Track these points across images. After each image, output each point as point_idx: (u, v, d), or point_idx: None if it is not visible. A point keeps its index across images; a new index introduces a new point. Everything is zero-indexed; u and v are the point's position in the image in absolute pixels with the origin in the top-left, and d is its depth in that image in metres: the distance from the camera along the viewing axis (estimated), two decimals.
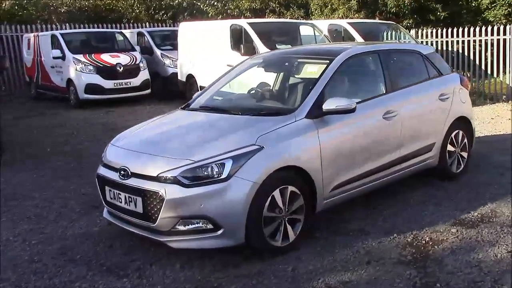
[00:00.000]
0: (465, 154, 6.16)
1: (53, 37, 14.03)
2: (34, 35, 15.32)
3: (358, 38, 11.98)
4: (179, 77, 13.48)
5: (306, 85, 4.83)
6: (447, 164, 5.91)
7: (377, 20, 15.48)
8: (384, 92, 5.24)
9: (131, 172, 4.17)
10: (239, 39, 11.19)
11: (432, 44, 12.04)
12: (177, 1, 21.59)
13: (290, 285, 3.77)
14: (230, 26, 11.44)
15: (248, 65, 5.69)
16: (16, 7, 19.47)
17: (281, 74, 5.53)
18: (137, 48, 14.57)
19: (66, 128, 10.59)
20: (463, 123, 6.11)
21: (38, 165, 7.53)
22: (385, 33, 13.11)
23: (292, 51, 6.07)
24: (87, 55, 13.32)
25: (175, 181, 3.92)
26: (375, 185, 5.08)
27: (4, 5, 19.09)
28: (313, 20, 16.20)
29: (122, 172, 4.22)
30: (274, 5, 21.19)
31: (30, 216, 5.40)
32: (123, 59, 13.52)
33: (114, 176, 4.30)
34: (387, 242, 4.42)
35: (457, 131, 6.00)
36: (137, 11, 21.40)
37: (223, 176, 3.90)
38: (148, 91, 13.87)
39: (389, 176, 5.20)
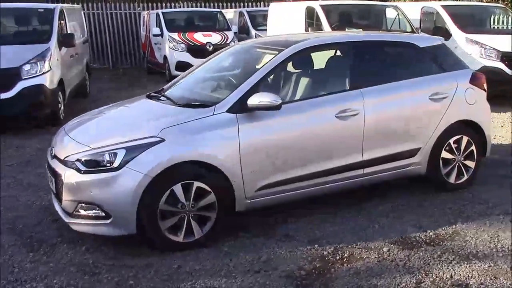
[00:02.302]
0: (471, 164, 5.36)
1: (157, 15, 14.87)
2: (146, 13, 16.39)
3: (451, 23, 10.85)
4: None
5: (244, 77, 4.57)
6: (440, 173, 5.21)
7: (481, 3, 13.80)
8: (347, 89, 4.76)
9: (54, 153, 4.39)
10: (312, 21, 10.87)
11: None
12: None
13: (159, 283, 3.70)
14: (306, 8, 11.13)
15: (221, 54, 5.54)
16: None
17: (241, 65, 5.28)
18: (234, 27, 14.83)
19: None
20: (469, 127, 5.31)
21: None
22: (492, 18, 11.68)
23: (262, 41, 5.70)
24: (181, 33, 13.92)
25: (73, 166, 4.04)
26: (324, 189, 4.69)
27: None
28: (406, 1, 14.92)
29: (50, 152, 4.47)
30: None
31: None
32: (214, 38, 13.88)
33: (48, 155, 4.57)
34: (299, 252, 4.10)
35: (459, 136, 5.24)
36: None
37: (114, 166, 3.93)
38: None
39: (346, 181, 4.76)
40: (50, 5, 9.73)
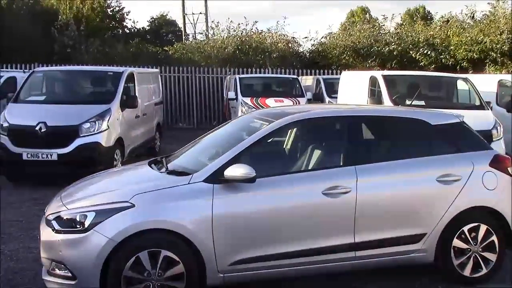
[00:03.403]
0: (491, 256, 4.80)
1: (235, 80, 15.41)
2: (229, 77, 17.06)
3: None
4: None
5: (230, 147, 4.52)
6: (451, 263, 4.72)
7: None
8: (340, 165, 4.55)
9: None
10: (374, 91, 10.64)
11: None
12: (388, 49, 21.18)
13: None
14: (370, 77, 10.94)
15: (230, 122, 5.54)
16: (237, 52, 21.83)
17: (235, 135, 5.17)
18: (309, 94, 14.93)
19: None
20: (489, 215, 4.80)
21: None
22: None
23: (264, 112, 5.52)
24: (254, 98, 14.24)
25: (49, 224, 4.19)
26: (309, 269, 4.43)
27: (226, 50, 21.62)
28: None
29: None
30: (495, 55, 19.14)
31: None
32: (285, 104, 14.01)
33: None
34: None
35: (475, 224, 4.74)
36: (347, 58, 21.70)
37: (83, 228, 4.02)
38: None
39: (334, 263, 4.46)
40: (119, 69, 10.46)
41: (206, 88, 19.23)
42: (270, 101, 14.14)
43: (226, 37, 22.83)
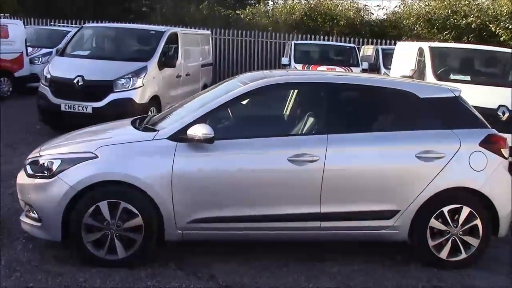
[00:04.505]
0: (473, 241, 4.52)
1: (291, 46, 15.20)
2: (288, 43, 16.85)
3: None
4: None
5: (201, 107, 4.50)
6: (425, 244, 4.49)
7: None
8: (312, 133, 4.42)
9: None
10: (420, 63, 10.12)
11: None
12: (465, 21, 19.93)
13: None
14: (418, 48, 10.40)
15: (218, 85, 5.42)
16: (305, 18, 21.46)
17: (212, 96, 4.99)
18: (365, 64, 14.47)
19: None
20: (475, 198, 4.50)
21: None
22: None
23: (248, 76, 5.13)
24: (305, 65, 14.01)
25: (24, 168, 4.44)
26: (270, 235, 4.41)
27: (294, 16, 21.31)
28: None
29: None
30: None
31: None
32: (338, 71, 13.69)
33: None
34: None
35: (456, 206, 4.47)
36: (419, 29, 20.69)
37: (49, 174, 4.22)
38: None
39: (297, 231, 4.41)
40: (162, 28, 10.64)
41: (267, 53, 19.11)
42: (321, 69, 13.84)
43: (296, 2, 22.48)
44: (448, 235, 4.49)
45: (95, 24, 12.39)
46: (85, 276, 4.09)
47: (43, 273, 4.12)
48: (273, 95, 4.66)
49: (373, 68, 14.54)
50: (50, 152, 4.39)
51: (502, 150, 4.56)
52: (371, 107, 4.72)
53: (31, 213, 4.36)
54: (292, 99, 4.81)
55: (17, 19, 16.24)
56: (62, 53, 10.02)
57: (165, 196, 4.19)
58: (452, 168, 4.43)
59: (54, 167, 4.21)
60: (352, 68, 14.01)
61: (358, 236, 4.53)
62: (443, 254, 4.52)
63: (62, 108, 8.99)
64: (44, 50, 14.83)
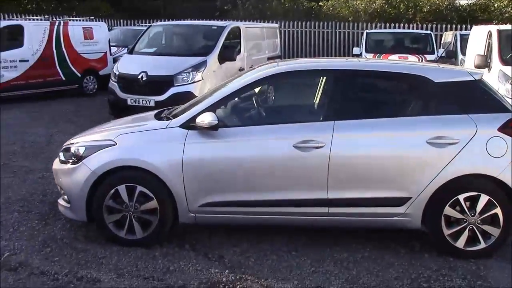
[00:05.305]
0: (493, 231, 4.33)
1: (363, 35, 14.96)
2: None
3: None
4: None
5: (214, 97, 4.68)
6: (441, 233, 4.36)
7: None
8: (320, 119, 4.45)
9: None
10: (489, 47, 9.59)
11: None
12: None
13: (71, 262, 4.27)
14: (487, 32, 9.84)
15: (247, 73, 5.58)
16: (386, 6, 20.89)
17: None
18: (441, 51, 13.91)
19: None
20: (493, 185, 4.30)
21: None
22: None
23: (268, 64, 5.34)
24: (377, 55, 13.73)
25: (59, 155, 4.90)
26: (279, 219, 4.51)
27: (374, 4, 20.83)
28: None
29: None
30: None
31: None
32: (409, 60, 13.27)
33: None
34: (205, 272, 4.12)
35: (474, 193, 4.30)
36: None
37: (75, 160, 4.63)
38: None
39: (305, 217, 4.47)
40: (224, 23, 10.95)
41: (345, 44, 18.90)
42: (393, 57, 13.50)
43: None
44: (465, 224, 4.33)
45: (162, 23, 12.98)
46: (105, 253, 4.45)
47: (70, 249, 4.54)
48: (282, 83, 4.73)
49: (450, 55, 13.89)
50: (79, 140, 4.80)
51: None
52: (381, 93, 4.66)
53: (64, 196, 4.80)
54: (301, 87, 4.86)
55: (103, 21, 17.35)
56: (131, 51, 10.67)
57: (177, 180, 4.43)
58: (467, 154, 4.26)
59: (80, 154, 4.61)
60: (426, 55, 13.51)
61: (369, 223, 4.50)
62: (460, 243, 4.36)
63: (129, 102, 9.60)
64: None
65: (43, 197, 5.84)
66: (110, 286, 3.91)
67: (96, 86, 14.49)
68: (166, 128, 4.56)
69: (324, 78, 4.62)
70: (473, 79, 4.50)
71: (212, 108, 4.48)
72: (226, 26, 10.60)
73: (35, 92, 13.01)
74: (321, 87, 4.64)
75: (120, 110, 9.86)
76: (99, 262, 4.30)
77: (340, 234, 4.76)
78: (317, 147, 4.32)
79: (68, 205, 4.71)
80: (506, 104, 4.48)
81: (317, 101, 4.54)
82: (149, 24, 12.70)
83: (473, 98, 4.44)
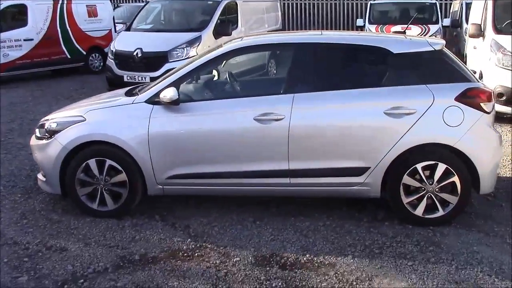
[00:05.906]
0: (450, 198, 4.40)
1: (367, 6, 14.79)
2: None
3: None
4: None
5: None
6: (400, 201, 4.46)
7: None
8: (279, 92, 4.53)
9: None
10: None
11: None
12: None
13: (44, 233, 4.49)
14: (485, 1, 9.66)
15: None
16: None
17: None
18: (446, 21, 13.70)
19: None
20: (450, 154, 4.36)
21: None
22: None
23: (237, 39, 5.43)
24: (379, 26, 13.60)
25: (35, 131, 5.09)
26: (243, 190, 4.67)
27: None
28: None
29: None
30: None
31: None
32: (412, 31, 13.11)
33: None
34: (167, 241, 4.31)
35: (431, 162, 4.37)
36: None
37: (49, 136, 4.82)
38: None
39: (268, 187, 4.60)
40: None
41: (353, 15, 18.68)
42: (396, 29, 13.29)
43: None
44: (424, 192, 4.41)
45: None
46: (78, 224, 4.67)
47: (46, 220, 4.77)
48: (244, 58, 4.81)
49: (455, 24, 13.68)
50: (52, 117, 4.98)
51: (482, 104, 4.33)
52: (340, 66, 4.71)
53: (41, 171, 5.02)
54: (262, 61, 4.94)
55: None
56: (128, 28, 10.80)
57: (143, 154, 4.59)
58: (424, 124, 4.32)
59: (53, 129, 4.79)
60: (430, 25, 13.33)
61: (330, 193, 4.61)
62: (419, 211, 4.45)
63: (125, 79, 9.80)
64: None
65: (31, 172, 6.07)
66: (75, 255, 4.12)
67: (102, 63, 14.68)
68: (132, 103, 4.70)
69: (285, 52, 4.69)
70: (432, 49, 4.52)
71: (175, 83, 4.60)
72: (221, 0, 10.63)
73: (41, 70, 13.28)
74: (281, 61, 4.71)
75: (117, 87, 10.03)
76: (70, 232, 4.52)
77: (312, 204, 4.86)
78: (277, 119, 4.42)
79: (44, 179, 4.92)
80: (467, 75, 4.50)
81: (278, 75, 4.62)
82: (148, 1, 12.78)
83: (432, 69, 4.48)
